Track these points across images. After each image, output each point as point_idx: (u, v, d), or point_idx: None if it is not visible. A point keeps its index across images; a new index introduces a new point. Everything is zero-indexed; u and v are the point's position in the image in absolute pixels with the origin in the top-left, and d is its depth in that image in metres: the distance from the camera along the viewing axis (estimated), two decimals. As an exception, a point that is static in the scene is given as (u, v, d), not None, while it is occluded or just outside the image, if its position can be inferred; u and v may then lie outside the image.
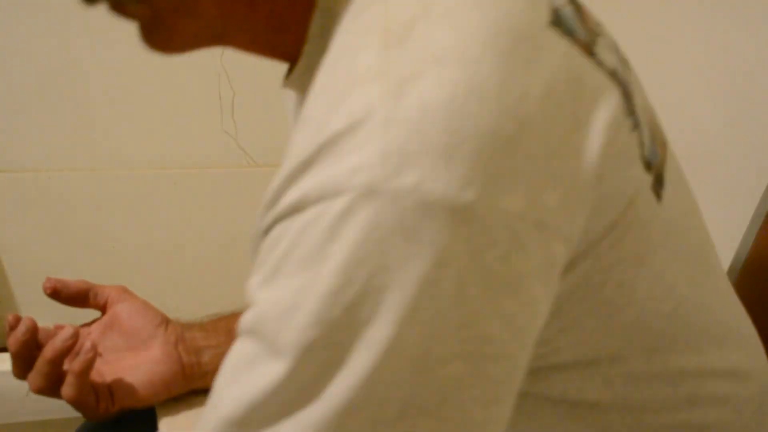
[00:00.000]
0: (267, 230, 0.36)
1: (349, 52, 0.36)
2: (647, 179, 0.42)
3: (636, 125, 0.41)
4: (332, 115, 0.33)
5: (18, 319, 0.59)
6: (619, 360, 0.45)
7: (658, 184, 0.44)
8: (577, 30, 0.40)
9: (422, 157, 0.32)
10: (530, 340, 0.36)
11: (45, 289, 0.65)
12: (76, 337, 0.59)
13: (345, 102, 0.33)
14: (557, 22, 0.38)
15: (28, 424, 1.33)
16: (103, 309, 0.69)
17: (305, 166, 0.34)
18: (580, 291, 0.41)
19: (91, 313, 0.69)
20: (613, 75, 0.40)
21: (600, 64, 0.40)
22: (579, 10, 0.43)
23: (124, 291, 0.69)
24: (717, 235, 0.88)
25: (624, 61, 0.47)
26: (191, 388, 0.67)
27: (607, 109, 0.38)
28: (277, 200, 0.35)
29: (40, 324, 0.62)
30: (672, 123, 0.95)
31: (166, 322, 0.68)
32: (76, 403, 0.59)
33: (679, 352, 0.47)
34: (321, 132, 0.34)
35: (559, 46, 0.37)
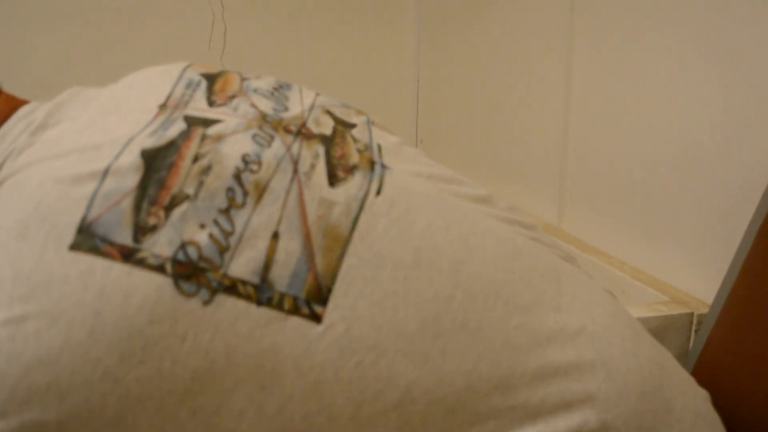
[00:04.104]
0: None
1: None
2: (279, 321, 0.43)
3: (214, 291, 0.42)
4: None
5: None
6: None
7: (319, 302, 0.44)
8: (115, 234, 0.41)
9: None
10: None
11: None
12: None
13: None
14: (78, 243, 0.41)
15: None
16: None
17: None
18: None
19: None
20: (162, 268, 0.41)
21: (140, 262, 0.41)
22: (156, 185, 0.44)
23: None
24: (716, 235, 0.89)
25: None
26: None
27: (144, 307, 0.40)
28: None
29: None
30: (672, 123, 0.95)
31: None
32: None
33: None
34: None
35: (76, 267, 0.40)
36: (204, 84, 0.52)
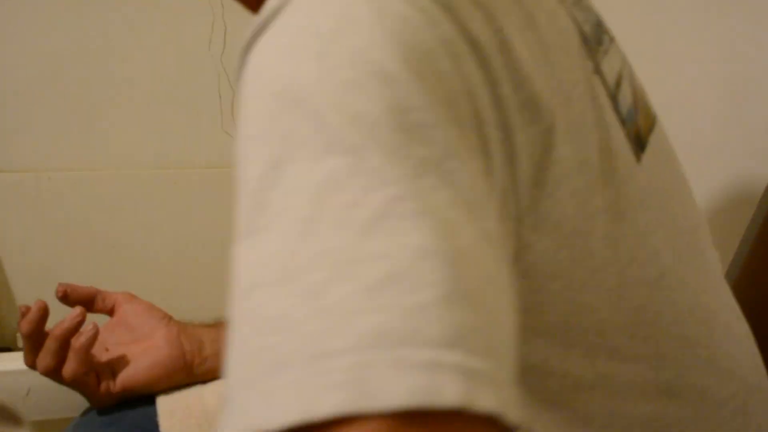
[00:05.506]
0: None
1: None
2: (621, 132, 0.45)
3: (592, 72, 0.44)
4: None
5: (29, 309, 0.62)
6: (604, 333, 0.45)
7: (638, 147, 0.46)
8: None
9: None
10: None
11: (57, 293, 0.68)
12: (83, 315, 0.62)
13: None
14: None
15: (28, 424, 1.33)
16: (110, 313, 0.72)
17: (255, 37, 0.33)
18: (571, 237, 0.41)
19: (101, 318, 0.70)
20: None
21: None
22: None
23: (131, 296, 0.73)
24: (717, 235, 0.88)
25: (598, 36, 0.50)
26: (192, 376, 0.69)
27: None
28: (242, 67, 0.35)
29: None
30: (672, 122, 0.95)
31: (169, 318, 0.72)
32: (77, 382, 0.62)
33: (664, 330, 0.47)
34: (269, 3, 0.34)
35: None
36: None
